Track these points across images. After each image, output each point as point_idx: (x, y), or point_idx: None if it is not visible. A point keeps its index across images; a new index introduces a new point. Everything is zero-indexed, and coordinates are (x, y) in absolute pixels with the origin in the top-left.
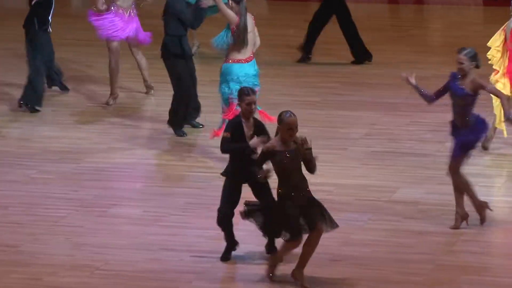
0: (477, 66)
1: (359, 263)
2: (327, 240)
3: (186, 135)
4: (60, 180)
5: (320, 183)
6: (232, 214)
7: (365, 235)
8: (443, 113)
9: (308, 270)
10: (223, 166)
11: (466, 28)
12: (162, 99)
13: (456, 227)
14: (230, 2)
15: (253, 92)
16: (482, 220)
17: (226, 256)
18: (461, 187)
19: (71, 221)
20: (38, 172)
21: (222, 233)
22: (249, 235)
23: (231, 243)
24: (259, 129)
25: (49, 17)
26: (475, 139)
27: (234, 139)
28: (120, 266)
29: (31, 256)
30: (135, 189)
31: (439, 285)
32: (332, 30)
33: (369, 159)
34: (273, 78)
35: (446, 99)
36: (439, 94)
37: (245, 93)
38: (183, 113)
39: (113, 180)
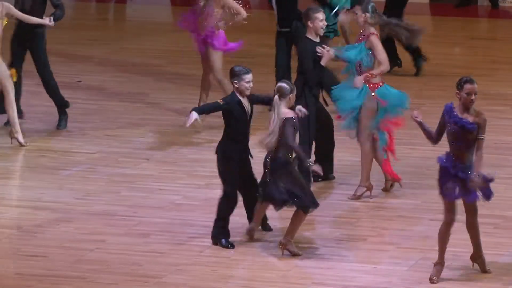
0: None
1: None
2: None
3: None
4: (206, 207)
5: (486, 215)
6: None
7: None
8: None
9: None
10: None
11: None
12: None
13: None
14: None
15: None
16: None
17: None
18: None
19: (217, 251)
20: (182, 198)
21: (375, 267)
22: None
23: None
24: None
25: None
26: None
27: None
28: None
29: None
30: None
31: None
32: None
33: None
34: (436, 100)
35: None
36: None
37: (244, 72)
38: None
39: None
